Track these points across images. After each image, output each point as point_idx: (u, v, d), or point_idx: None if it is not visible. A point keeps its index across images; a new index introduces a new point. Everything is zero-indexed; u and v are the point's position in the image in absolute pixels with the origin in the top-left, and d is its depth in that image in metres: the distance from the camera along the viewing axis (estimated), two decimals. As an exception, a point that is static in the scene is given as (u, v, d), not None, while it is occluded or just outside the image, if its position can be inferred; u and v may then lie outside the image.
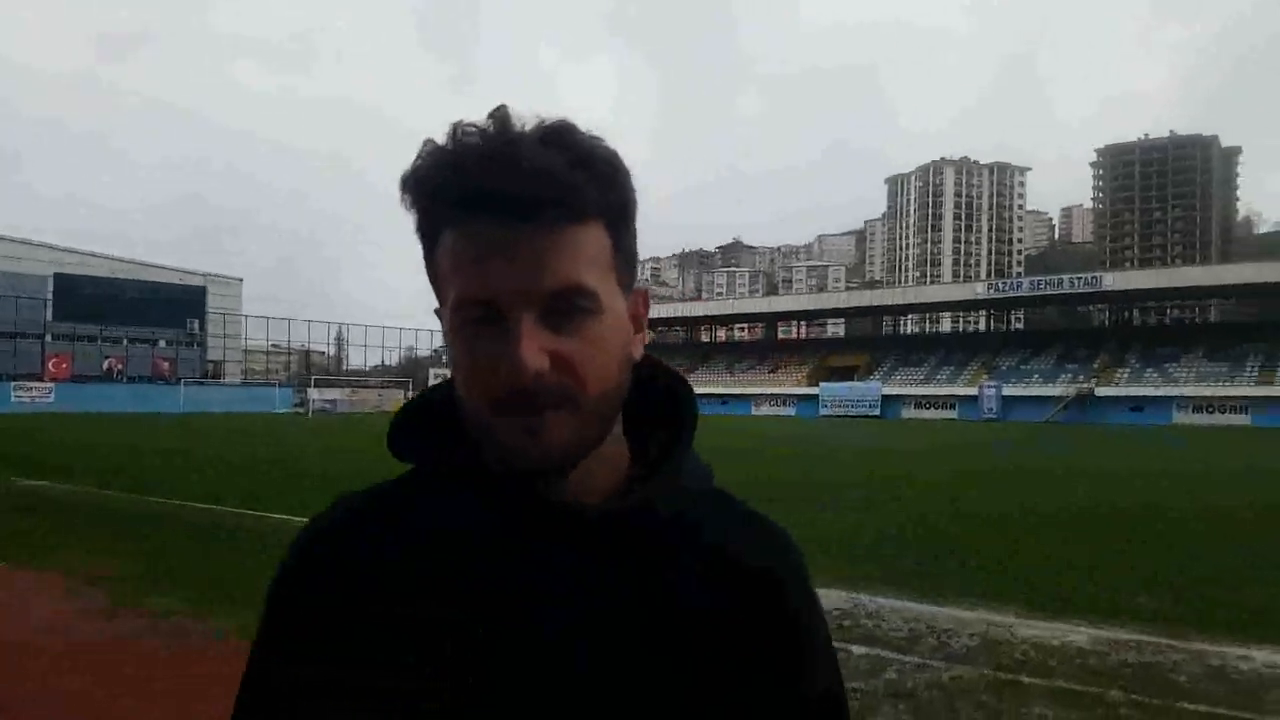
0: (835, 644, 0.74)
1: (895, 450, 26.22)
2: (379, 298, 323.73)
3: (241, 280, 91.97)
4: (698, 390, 0.72)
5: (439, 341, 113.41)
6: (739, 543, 0.75)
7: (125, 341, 73.68)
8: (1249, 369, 60.10)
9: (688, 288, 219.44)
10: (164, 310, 76.70)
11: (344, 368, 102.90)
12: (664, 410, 0.78)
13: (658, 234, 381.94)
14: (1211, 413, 58.02)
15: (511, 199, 0.63)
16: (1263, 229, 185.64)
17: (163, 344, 76.57)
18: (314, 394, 75.00)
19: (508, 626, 0.66)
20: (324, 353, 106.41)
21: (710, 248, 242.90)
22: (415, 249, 0.67)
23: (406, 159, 0.63)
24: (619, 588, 0.68)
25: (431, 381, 70.47)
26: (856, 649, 5.36)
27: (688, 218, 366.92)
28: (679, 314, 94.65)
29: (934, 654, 5.37)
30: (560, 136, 0.66)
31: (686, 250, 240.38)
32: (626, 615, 0.67)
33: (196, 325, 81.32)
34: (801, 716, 0.72)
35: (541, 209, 0.64)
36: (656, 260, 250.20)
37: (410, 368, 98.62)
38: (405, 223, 0.65)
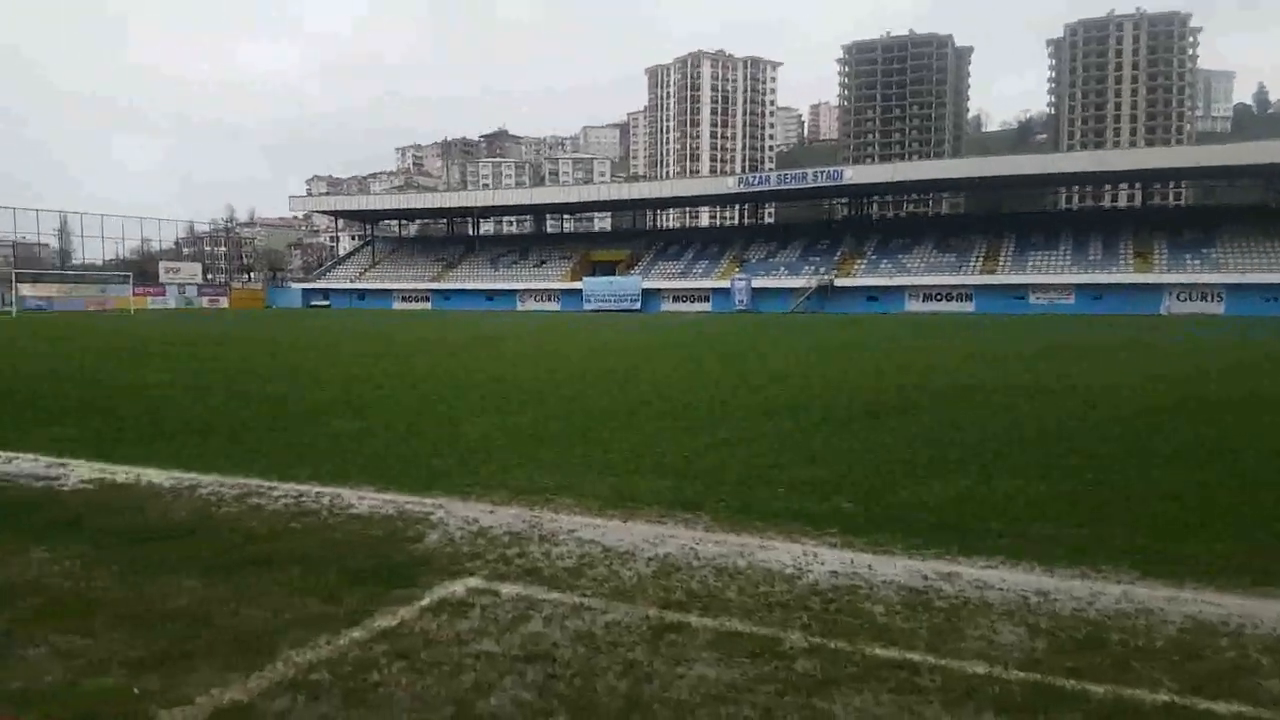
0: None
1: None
2: (110, 185, 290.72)
3: (-83, 166, 78.58)
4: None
5: (181, 233, 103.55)
6: None
7: None
8: (973, 259, 65.62)
9: (453, 179, 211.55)
10: None
11: (73, 262, 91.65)
12: None
13: (419, 121, 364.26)
14: (939, 300, 63.07)
15: None
16: (990, 127, 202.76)
17: None
18: (25, 290, 66.11)
19: None
20: (48, 245, 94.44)
21: (474, 136, 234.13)
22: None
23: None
24: None
25: (163, 277, 64.07)
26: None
27: (450, 104, 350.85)
28: (440, 205, 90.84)
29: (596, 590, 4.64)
30: None
31: (450, 139, 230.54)
32: None
33: None
34: None
35: None
36: (419, 148, 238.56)
37: (141, 263, 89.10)
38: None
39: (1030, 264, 63.55)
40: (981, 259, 65.40)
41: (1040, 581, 4.76)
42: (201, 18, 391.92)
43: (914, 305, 63.11)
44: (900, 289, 64.25)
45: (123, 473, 7.25)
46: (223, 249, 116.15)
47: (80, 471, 7.32)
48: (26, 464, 7.63)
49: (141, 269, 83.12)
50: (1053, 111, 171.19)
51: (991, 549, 5.31)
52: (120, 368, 17.79)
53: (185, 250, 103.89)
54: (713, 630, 4.03)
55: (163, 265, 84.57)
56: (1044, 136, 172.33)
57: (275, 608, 4.27)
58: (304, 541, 5.43)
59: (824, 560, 5.07)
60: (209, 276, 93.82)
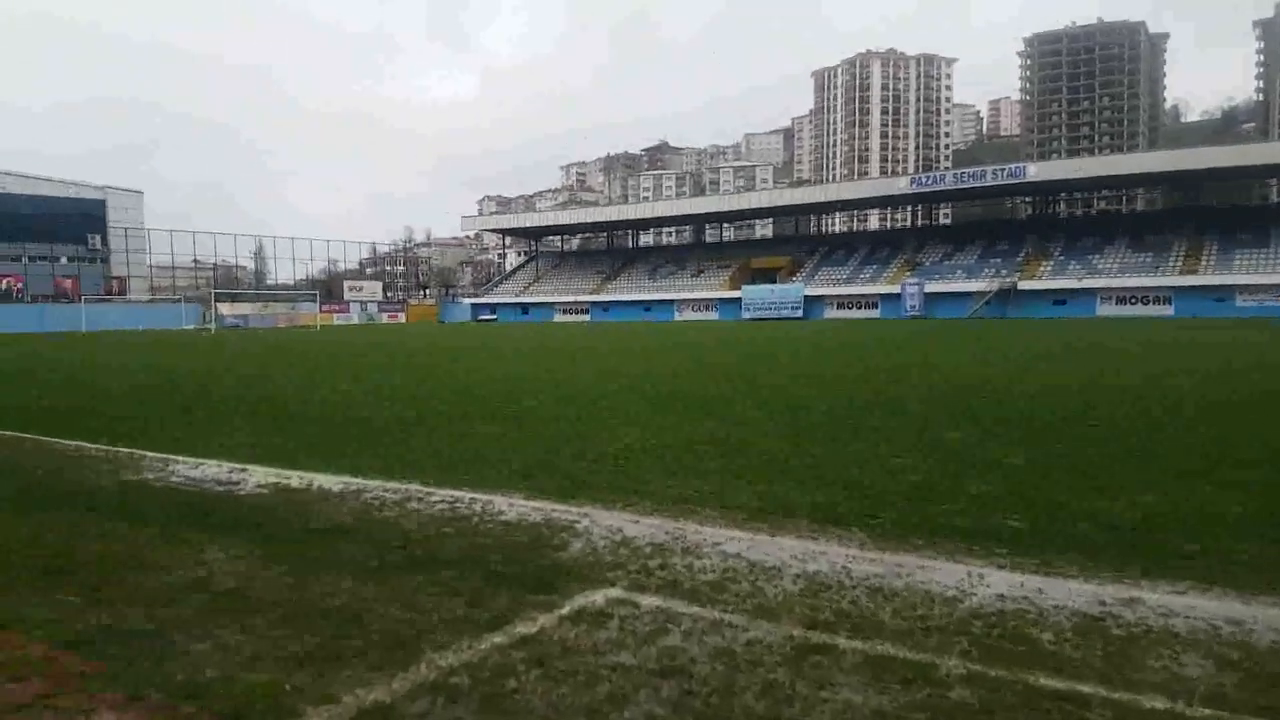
0: None
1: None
2: (299, 212, 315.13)
3: (142, 193, 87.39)
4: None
5: (364, 253, 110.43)
6: None
7: (25, 259, 71.27)
8: (1172, 259, 60.73)
9: (614, 193, 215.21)
10: (62, 225, 73.98)
11: (267, 282, 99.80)
12: None
13: (586, 146, 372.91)
14: (1134, 304, 58.62)
15: None
16: (1190, 117, 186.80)
17: (64, 261, 74.59)
18: (224, 309, 72.52)
19: None
20: (245, 267, 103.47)
21: (636, 150, 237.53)
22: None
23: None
24: None
25: (348, 295, 68.43)
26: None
27: (617, 131, 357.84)
28: (600, 219, 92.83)
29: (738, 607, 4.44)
30: None
31: (612, 154, 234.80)
32: None
33: (98, 240, 78.33)
34: None
35: None
36: (583, 165, 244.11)
37: (329, 281, 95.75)
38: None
39: (1237, 263, 58.28)
40: (1181, 258, 60.44)
41: (1234, 609, 4.23)
42: (392, 54, 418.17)
43: (1106, 309, 58.97)
44: (1090, 292, 60.17)
45: (296, 477, 7.64)
46: (401, 268, 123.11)
47: (257, 476, 7.77)
48: (211, 469, 8.17)
49: (328, 287, 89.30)
50: (1261, 98, 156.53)
51: (1179, 572, 4.77)
52: (301, 379, 18.96)
53: (368, 270, 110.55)
54: (862, 653, 3.78)
55: (347, 284, 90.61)
56: (1251, 125, 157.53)
57: (422, 609, 4.34)
58: (455, 545, 5.52)
59: (989, 582, 4.69)
60: (388, 294, 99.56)
